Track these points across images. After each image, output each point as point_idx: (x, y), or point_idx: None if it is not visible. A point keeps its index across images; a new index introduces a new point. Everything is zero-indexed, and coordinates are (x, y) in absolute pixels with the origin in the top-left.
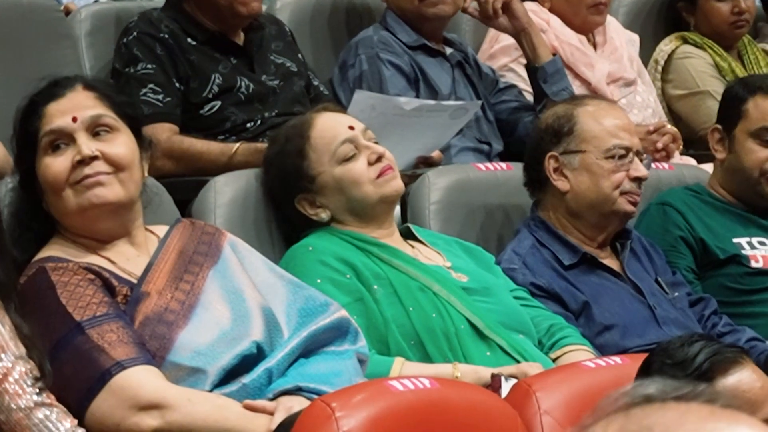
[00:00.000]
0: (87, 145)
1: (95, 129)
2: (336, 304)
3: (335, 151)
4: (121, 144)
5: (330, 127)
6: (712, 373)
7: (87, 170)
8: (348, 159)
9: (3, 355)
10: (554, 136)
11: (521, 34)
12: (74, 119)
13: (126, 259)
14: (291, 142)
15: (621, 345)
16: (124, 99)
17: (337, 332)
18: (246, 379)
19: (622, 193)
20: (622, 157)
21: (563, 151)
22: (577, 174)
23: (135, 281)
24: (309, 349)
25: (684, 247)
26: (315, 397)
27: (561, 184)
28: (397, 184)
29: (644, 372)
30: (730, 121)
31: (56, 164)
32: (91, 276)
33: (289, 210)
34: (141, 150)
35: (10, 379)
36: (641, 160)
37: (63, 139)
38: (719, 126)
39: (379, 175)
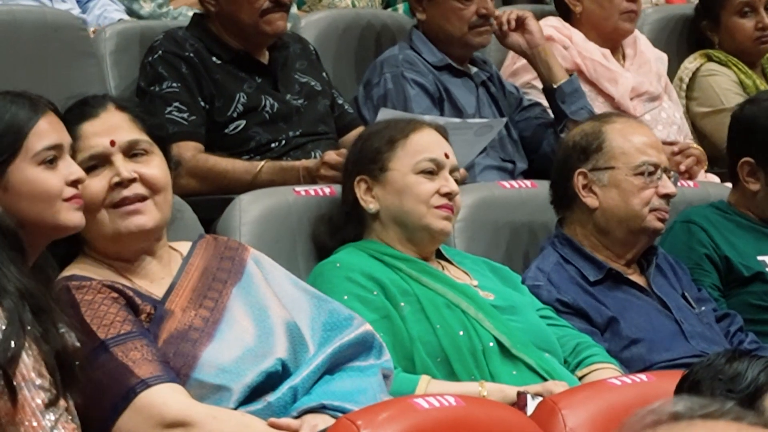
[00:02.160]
0: (125, 167)
1: (131, 151)
2: (360, 318)
3: (420, 161)
4: (156, 166)
5: (430, 141)
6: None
7: (125, 192)
8: (424, 174)
9: (23, 385)
10: (582, 153)
11: (534, 51)
12: (112, 143)
13: (150, 277)
14: (390, 130)
15: (648, 359)
16: (156, 121)
17: (362, 347)
18: (271, 398)
19: (651, 210)
20: (651, 173)
21: (592, 168)
22: (607, 190)
23: (158, 299)
24: (334, 365)
25: (708, 264)
26: (339, 415)
27: (590, 200)
28: (445, 225)
29: (688, 388)
30: (764, 155)
31: (93, 185)
32: (115, 294)
33: (346, 186)
34: (170, 171)
35: (27, 410)
36: (669, 177)
37: (100, 161)
38: (751, 159)
39: (438, 207)
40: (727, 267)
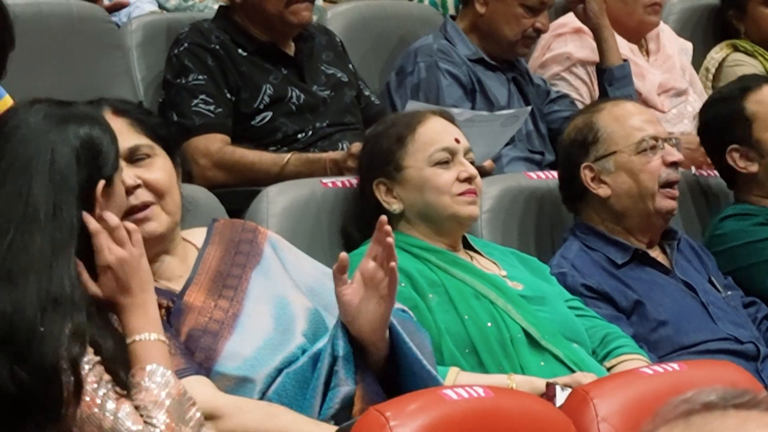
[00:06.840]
0: (128, 175)
1: (133, 157)
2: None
3: (432, 153)
4: (159, 169)
5: (438, 130)
6: None
7: (132, 200)
8: (440, 165)
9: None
10: (581, 148)
11: (594, 31)
12: None
13: (168, 275)
14: (396, 127)
15: (676, 341)
16: (156, 120)
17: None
18: (289, 368)
19: (661, 187)
20: (653, 147)
21: (595, 159)
22: (616, 176)
23: (176, 292)
24: None
25: None
26: None
27: (602, 191)
28: (472, 210)
29: None
30: (743, 134)
31: None
32: None
33: (366, 191)
34: (175, 168)
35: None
36: (672, 145)
37: None
38: (735, 146)
39: (461, 194)
40: None
